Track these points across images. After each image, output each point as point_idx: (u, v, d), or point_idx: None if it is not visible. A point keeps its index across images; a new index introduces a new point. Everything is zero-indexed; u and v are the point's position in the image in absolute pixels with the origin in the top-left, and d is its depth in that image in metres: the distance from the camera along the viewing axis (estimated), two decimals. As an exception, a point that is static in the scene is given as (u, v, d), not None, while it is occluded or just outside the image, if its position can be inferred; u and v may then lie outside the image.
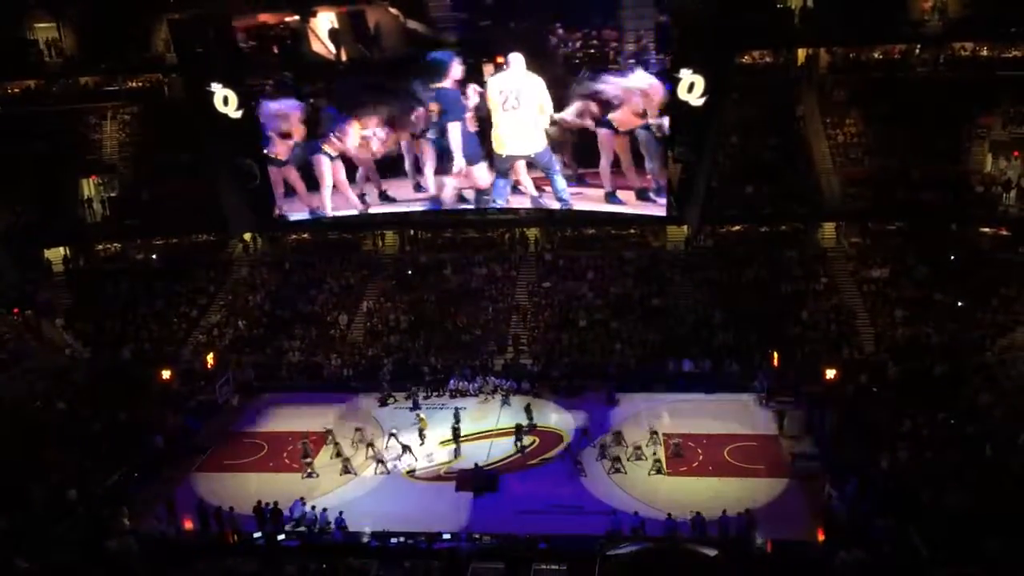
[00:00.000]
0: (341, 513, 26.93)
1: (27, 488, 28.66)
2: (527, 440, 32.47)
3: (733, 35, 32.76)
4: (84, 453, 31.34)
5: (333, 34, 33.21)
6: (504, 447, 32.10)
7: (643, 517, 25.92)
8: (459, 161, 35.46)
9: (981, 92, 39.51)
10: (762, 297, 39.37)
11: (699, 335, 38.30)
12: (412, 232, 45.53)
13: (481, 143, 35.74)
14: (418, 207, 37.61)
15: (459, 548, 25.13)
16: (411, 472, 30.64)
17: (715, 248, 42.77)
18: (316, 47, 33.42)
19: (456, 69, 33.34)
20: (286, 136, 35.85)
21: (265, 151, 36.16)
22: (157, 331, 41.12)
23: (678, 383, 36.12)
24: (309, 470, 30.58)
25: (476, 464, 30.16)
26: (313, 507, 27.47)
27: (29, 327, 39.50)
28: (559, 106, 34.02)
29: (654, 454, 30.30)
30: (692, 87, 31.75)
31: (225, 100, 34.79)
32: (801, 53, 43.25)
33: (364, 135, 35.92)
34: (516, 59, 33.20)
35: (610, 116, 33.82)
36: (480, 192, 36.65)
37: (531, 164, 36.17)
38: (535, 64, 33.23)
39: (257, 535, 26.74)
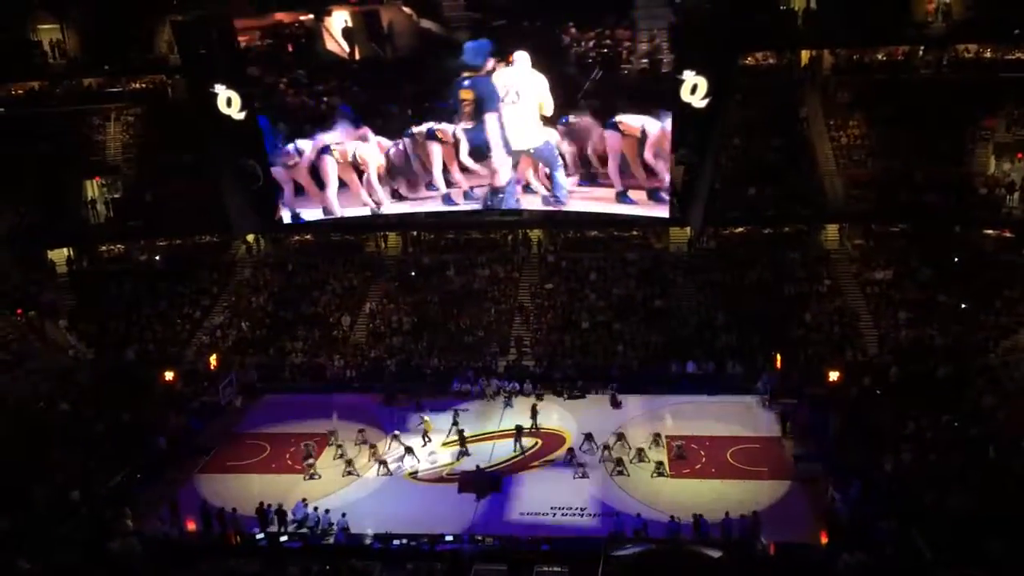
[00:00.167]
0: (344, 515, 26.96)
1: (30, 489, 28.71)
2: (530, 442, 32.48)
3: (736, 36, 32.70)
4: (87, 454, 31.39)
5: (347, 33, 33.36)
6: (507, 449, 32.09)
7: (646, 519, 25.90)
8: (498, 152, 35.23)
9: (985, 94, 39.46)
10: (765, 299, 39.34)
11: (702, 337, 38.28)
12: (415, 233, 45.52)
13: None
14: (429, 205, 37.52)
15: (462, 550, 25.12)
16: (414, 474, 30.65)
17: (718, 250, 42.72)
18: (330, 46, 33.60)
19: (491, 59, 33.28)
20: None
21: (278, 154, 36.24)
22: (160, 332, 41.17)
23: (681, 385, 36.10)
24: (312, 471, 30.59)
25: (478, 466, 30.16)
26: (316, 508, 27.47)
27: (33, 328, 39.54)
28: (570, 106, 33.98)
29: (657, 456, 30.27)
30: (695, 89, 31.72)
31: (228, 101, 34.82)
32: (804, 54, 43.24)
33: (362, 152, 36.03)
34: (521, 57, 33.28)
35: (616, 119, 33.80)
36: (495, 190, 36.45)
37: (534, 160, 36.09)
38: (547, 64, 33.21)
39: (260, 536, 26.77)
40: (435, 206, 37.32)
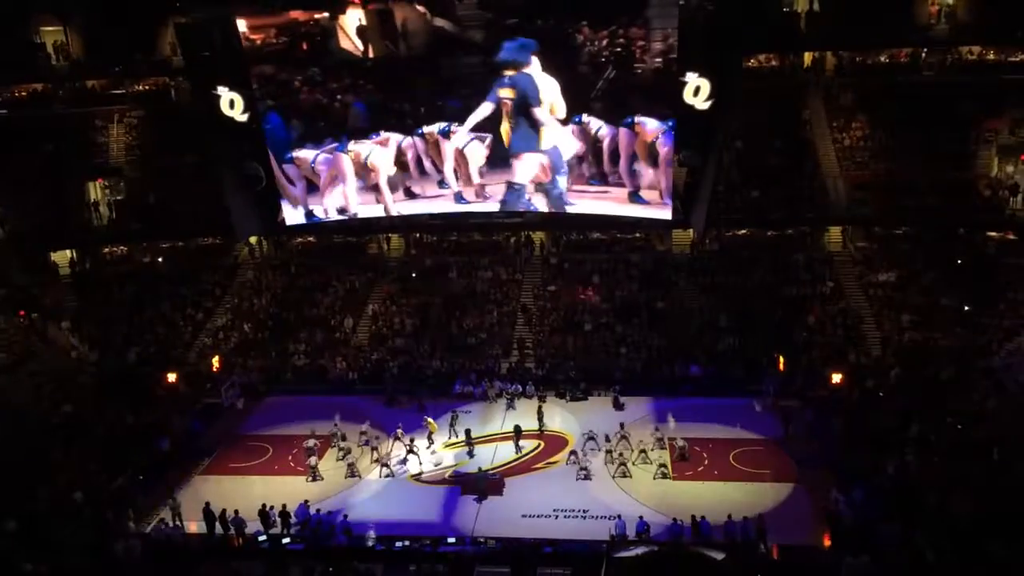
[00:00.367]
0: (346, 516, 26.94)
1: (33, 490, 28.74)
2: (532, 444, 32.46)
3: (739, 38, 32.67)
4: (90, 456, 31.44)
5: (361, 31, 33.44)
6: (509, 451, 32.11)
7: (648, 521, 25.86)
8: (546, 147, 35.18)
9: (988, 96, 39.39)
10: (768, 301, 39.30)
11: (705, 339, 38.25)
12: (418, 235, 45.53)
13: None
14: (441, 204, 37.48)
15: (464, 552, 25.14)
16: (416, 475, 30.62)
17: (721, 252, 42.68)
18: (344, 44, 33.68)
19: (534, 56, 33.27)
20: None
21: (291, 155, 36.28)
22: (163, 334, 41.21)
23: (684, 387, 36.06)
24: (314, 473, 30.57)
25: (480, 468, 30.13)
26: (318, 510, 27.45)
27: (35, 330, 39.56)
28: (583, 107, 33.99)
29: (659, 458, 30.24)
30: (698, 91, 31.68)
31: (231, 103, 34.82)
32: (807, 57, 43.22)
33: (373, 159, 36.08)
34: (532, 61, 33.31)
35: (634, 119, 33.78)
36: (511, 187, 36.36)
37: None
38: (560, 63, 33.25)
39: (262, 538, 26.77)
40: (447, 205, 37.21)
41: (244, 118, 35.17)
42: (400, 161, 36.14)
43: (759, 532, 25.03)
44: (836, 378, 33.22)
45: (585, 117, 34.09)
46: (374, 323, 41.59)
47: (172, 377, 36.67)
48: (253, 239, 45.11)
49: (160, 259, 46.06)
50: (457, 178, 36.36)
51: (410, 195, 37.21)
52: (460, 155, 35.73)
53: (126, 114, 46.35)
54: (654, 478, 29.47)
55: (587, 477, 29.71)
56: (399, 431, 32.33)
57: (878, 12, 38.10)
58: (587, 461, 30.24)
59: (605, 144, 34.40)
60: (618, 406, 35.07)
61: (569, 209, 36.46)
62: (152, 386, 36.81)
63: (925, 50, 40.93)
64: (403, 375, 38.29)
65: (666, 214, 35.67)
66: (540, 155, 35.14)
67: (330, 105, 35.43)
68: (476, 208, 37.31)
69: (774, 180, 40.78)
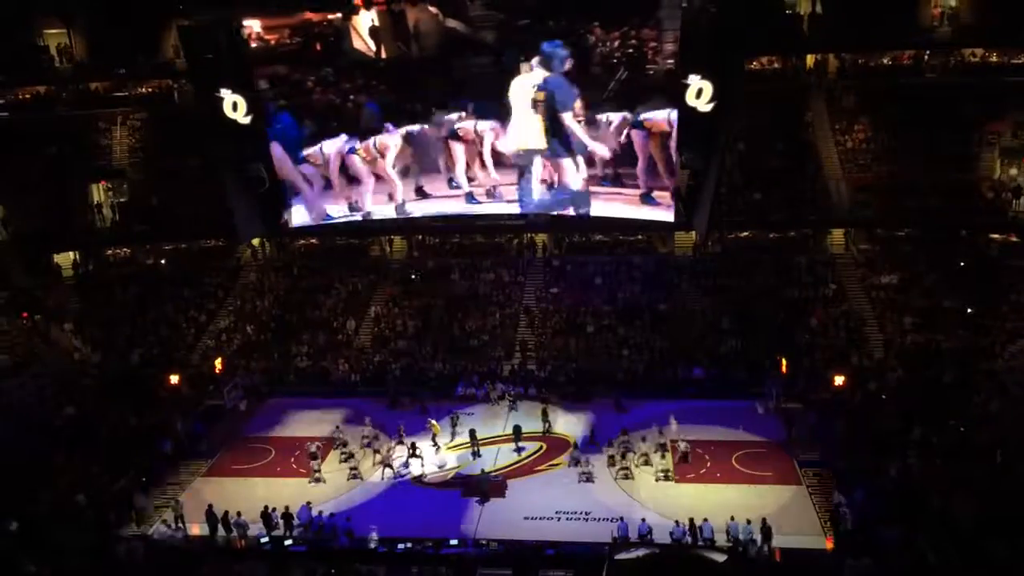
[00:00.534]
0: (349, 518, 26.95)
1: (36, 492, 28.78)
2: (534, 446, 32.48)
3: (742, 41, 32.67)
4: (92, 457, 31.46)
5: (373, 32, 33.54)
6: (511, 453, 32.13)
7: (650, 523, 25.85)
8: (579, 150, 34.89)
9: (990, 98, 39.39)
10: (771, 303, 39.28)
11: (707, 341, 38.24)
12: (420, 237, 45.55)
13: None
14: (452, 204, 37.47)
15: (466, 554, 25.14)
16: (419, 478, 30.64)
17: (723, 254, 42.69)
18: (357, 44, 33.81)
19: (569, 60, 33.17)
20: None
21: (303, 154, 36.35)
22: (166, 336, 41.26)
23: (686, 389, 36.05)
24: (317, 475, 30.59)
25: (483, 470, 30.13)
26: (320, 512, 27.47)
27: (38, 332, 39.63)
28: (595, 106, 34.00)
29: (662, 460, 30.21)
30: (700, 93, 31.67)
31: (234, 106, 34.85)
32: (810, 59, 43.20)
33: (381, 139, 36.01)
34: (538, 61, 33.38)
35: (642, 117, 33.79)
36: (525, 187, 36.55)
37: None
38: (572, 63, 33.29)
39: (265, 540, 26.79)
40: (458, 205, 37.17)
41: (247, 120, 35.19)
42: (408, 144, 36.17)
43: (764, 534, 25.01)
44: (838, 380, 33.16)
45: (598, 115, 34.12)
46: (376, 325, 41.64)
47: (175, 379, 36.68)
48: (256, 241, 45.19)
49: (163, 261, 46.17)
50: (468, 178, 36.40)
51: (421, 194, 37.26)
52: (471, 154, 35.71)
53: (129, 116, 46.47)
54: (656, 480, 29.47)
55: (589, 479, 29.70)
56: (401, 433, 32.35)
57: (880, 14, 38.10)
58: (589, 463, 30.22)
59: (617, 144, 34.47)
60: (620, 408, 35.06)
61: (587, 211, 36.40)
62: (155, 388, 36.84)
63: (928, 52, 40.91)
64: (405, 377, 38.31)
65: (660, 216, 35.76)
66: (535, 155, 35.19)
67: (343, 105, 35.53)
68: (488, 208, 37.28)
69: (776, 182, 40.79)
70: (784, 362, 35.25)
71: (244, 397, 37.34)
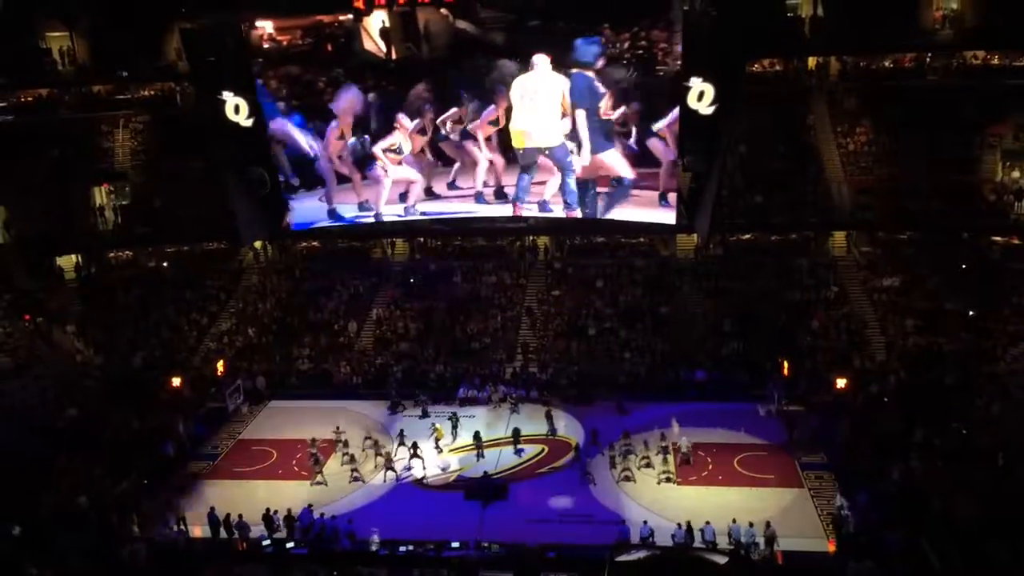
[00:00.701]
0: (350, 521, 26.94)
1: (37, 495, 28.79)
2: (536, 449, 32.47)
3: (743, 44, 32.72)
4: (94, 460, 31.47)
5: (384, 33, 33.74)
6: (513, 456, 32.13)
7: (652, 526, 25.82)
8: (586, 150, 34.84)
9: (992, 101, 39.36)
10: (772, 306, 39.27)
11: (709, 344, 38.23)
12: (422, 240, 45.59)
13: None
14: (461, 204, 37.55)
15: (468, 557, 25.13)
16: (420, 480, 30.63)
17: (725, 257, 42.66)
18: (368, 45, 33.98)
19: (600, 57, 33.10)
20: (341, 136, 36.16)
21: (321, 150, 36.47)
22: (168, 338, 41.29)
23: (688, 392, 36.04)
24: (318, 478, 30.59)
25: (485, 472, 30.13)
26: (322, 514, 27.46)
27: (40, 334, 39.67)
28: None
29: (664, 463, 30.20)
30: (702, 96, 31.73)
31: (236, 109, 34.95)
32: (811, 61, 43.22)
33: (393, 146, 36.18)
34: (541, 60, 33.40)
35: (655, 128, 33.92)
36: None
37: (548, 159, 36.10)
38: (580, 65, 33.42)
39: (266, 542, 26.79)
40: (468, 205, 37.27)
41: (249, 123, 35.31)
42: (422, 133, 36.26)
43: (768, 537, 24.98)
44: (840, 383, 33.17)
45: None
46: (378, 327, 41.65)
47: (177, 381, 36.73)
48: (258, 244, 45.24)
49: (165, 264, 46.23)
50: (484, 179, 36.60)
51: (431, 194, 37.35)
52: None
53: (132, 119, 46.51)
54: (658, 483, 29.45)
55: (591, 482, 29.69)
56: (403, 435, 32.36)
57: (882, 17, 38.06)
58: (591, 466, 30.23)
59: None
60: (622, 411, 35.06)
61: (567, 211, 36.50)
62: (157, 390, 36.87)
63: (929, 55, 40.91)
64: (407, 380, 38.31)
65: (661, 218, 35.86)
66: (538, 154, 35.29)
67: (372, 106, 35.71)
68: (497, 209, 37.41)
69: (778, 185, 40.77)
70: (786, 364, 35.30)
71: (246, 400, 37.37)
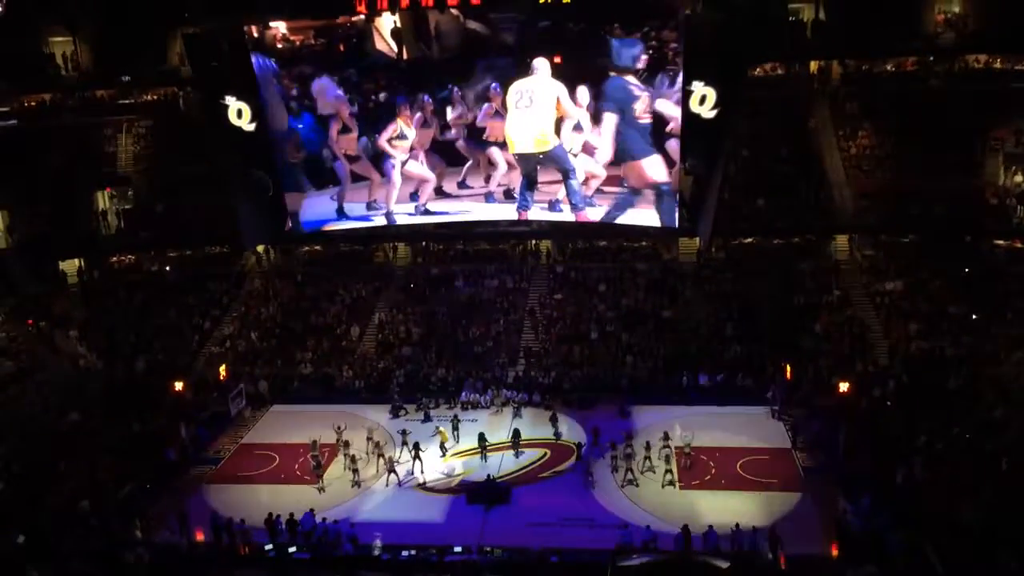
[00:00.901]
0: (353, 525, 26.93)
1: (40, 499, 28.80)
2: (539, 452, 32.45)
3: (745, 47, 32.77)
4: (97, 464, 31.48)
5: (396, 33, 33.94)
6: (516, 459, 32.11)
7: (655, 531, 25.78)
8: (604, 155, 34.89)
9: (995, 104, 39.38)
10: (775, 310, 39.24)
11: (711, 348, 38.21)
12: (424, 244, 45.60)
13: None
14: (471, 205, 37.64)
15: (471, 561, 25.09)
16: (423, 484, 30.61)
17: (727, 260, 42.66)
18: (380, 46, 34.19)
19: (642, 58, 32.98)
20: (346, 131, 36.24)
21: (334, 149, 36.53)
22: (170, 342, 41.31)
23: (690, 396, 36.02)
24: (320, 484, 30.56)
25: (489, 476, 30.11)
26: (324, 519, 27.44)
27: (43, 338, 39.73)
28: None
29: (666, 466, 30.17)
30: (704, 99, 31.77)
31: (239, 113, 35.05)
32: (813, 65, 43.24)
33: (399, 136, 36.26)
34: (541, 64, 33.52)
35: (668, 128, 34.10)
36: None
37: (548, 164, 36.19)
38: (588, 67, 33.47)
39: (268, 547, 26.76)
40: (478, 205, 37.42)
41: (252, 127, 35.39)
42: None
43: (772, 542, 24.93)
44: (843, 387, 33.09)
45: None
46: (380, 332, 41.66)
47: (179, 385, 36.69)
48: (260, 248, 45.28)
49: (168, 268, 46.25)
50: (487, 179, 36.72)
51: (441, 194, 37.43)
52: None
53: (135, 124, 46.60)
54: (663, 486, 29.40)
55: (594, 486, 29.67)
56: (405, 439, 32.34)
57: (884, 20, 38.12)
58: (594, 470, 30.24)
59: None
60: (624, 415, 35.04)
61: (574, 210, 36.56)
62: (159, 395, 36.86)
63: (931, 58, 40.90)
64: (409, 384, 38.31)
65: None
66: (533, 160, 35.35)
67: (364, 105, 35.73)
68: (505, 209, 37.49)
69: (780, 188, 40.78)
70: (788, 369, 35.30)
71: (248, 404, 37.38)
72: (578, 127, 34.67)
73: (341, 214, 38.22)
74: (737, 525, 25.43)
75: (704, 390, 36.27)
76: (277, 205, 37.67)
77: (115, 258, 46.34)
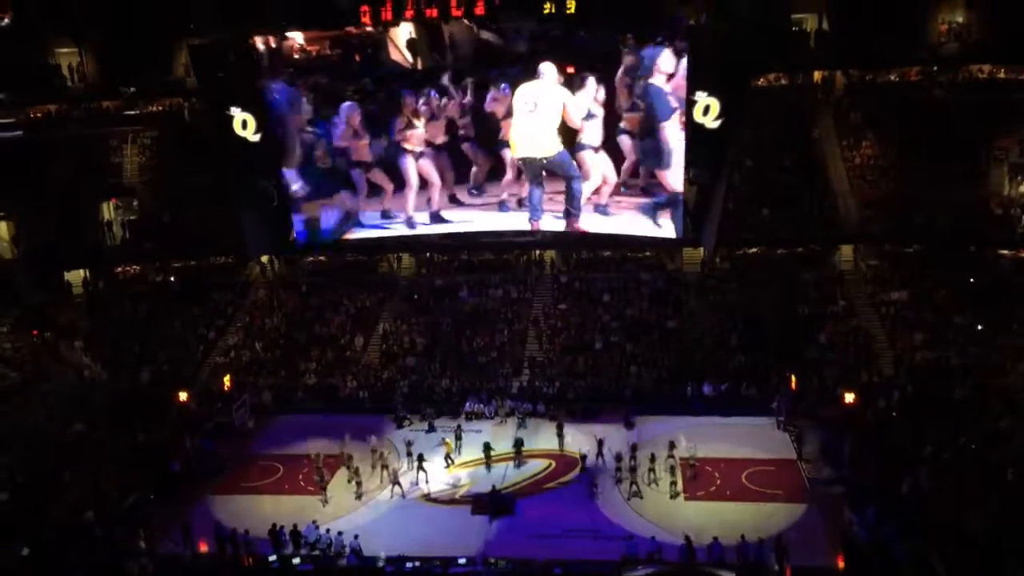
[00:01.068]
0: (356, 537, 26.85)
1: (44, 509, 28.80)
2: (543, 463, 32.40)
3: (749, 58, 32.81)
4: (101, 475, 31.48)
5: (411, 44, 34.16)
6: (520, 470, 32.08)
7: (660, 542, 25.70)
8: (677, 165, 34.30)
9: (999, 114, 39.32)
10: (779, 320, 39.18)
11: (716, 358, 38.15)
12: (428, 254, 45.64)
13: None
14: (484, 213, 37.64)
15: (475, 572, 25.04)
16: (427, 495, 30.56)
17: (732, 271, 42.63)
18: (395, 56, 34.41)
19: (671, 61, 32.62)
20: (357, 135, 36.34)
21: (349, 156, 36.65)
22: (175, 353, 41.35)
23: (695, 406, 35.94)
24: (324, 496, 30.51)
25: (493, 487, 30.04)
26: (328, 530, 27.40)
27: (48, 348, 39.80)
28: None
29: (671, 477, 30.09)
30: (707, 110, 31.79)
31: (244, 123, 35.16)
32: (817, 75, 43.27)
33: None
34: (548, 68, 33.52)
35: None
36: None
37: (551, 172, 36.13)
38: (603, 75, 33.43)
39: (272, 558, 26.74)
40: (491, 214, 37.46)
41: (256, 138, 35.50)
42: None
43: (778, 553, 24.84)
44: (848, 397, 33.01)
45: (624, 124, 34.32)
46: (384, 342, 41.66)
47: (183, 396, 36.73)
48: (265, 258, 45.35)
49: (172, 278, 46.34)
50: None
51: (455, 201, 37.50)
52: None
53: (140, 134, 46.78)
54: (671, 497, 29.33)
55: (599, 497, 29.60)
56: (409, 450, 32.30)
57: (887, 31, 38.15)
58: (598, 480, 30.19)
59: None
60: (629, 425, 34.97)
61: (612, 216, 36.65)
62: (164, 405, 36.88)
63: (935, 68, 40.92)
64: (413, 394, 38.30)
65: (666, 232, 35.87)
66: (536, 165, 35.48)
67: (379, 115, 35.90)
68: (519, 218, 37.33)
69: (784, 199, 40.75)
70: (793, 379, 35.19)
71: (252, 414, 37.38)
72: (590, 116, 34.39)
73: (354, 221, 38.30)
74: (743, 536, 25.36)
75: (709, 400, 36.20)
76: (282, 215, 37.75)
77: (120, 269, 46.46)
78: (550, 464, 32.49)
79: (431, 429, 35.28)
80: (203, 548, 27.83)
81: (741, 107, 32.94)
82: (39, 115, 45.90)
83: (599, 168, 35.34)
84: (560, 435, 33.58)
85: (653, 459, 30.50)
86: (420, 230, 38.32)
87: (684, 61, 31.66)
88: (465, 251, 44.63)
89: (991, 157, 39.66)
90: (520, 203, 36.89)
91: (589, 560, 25.66)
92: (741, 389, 36.38)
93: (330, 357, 40.95)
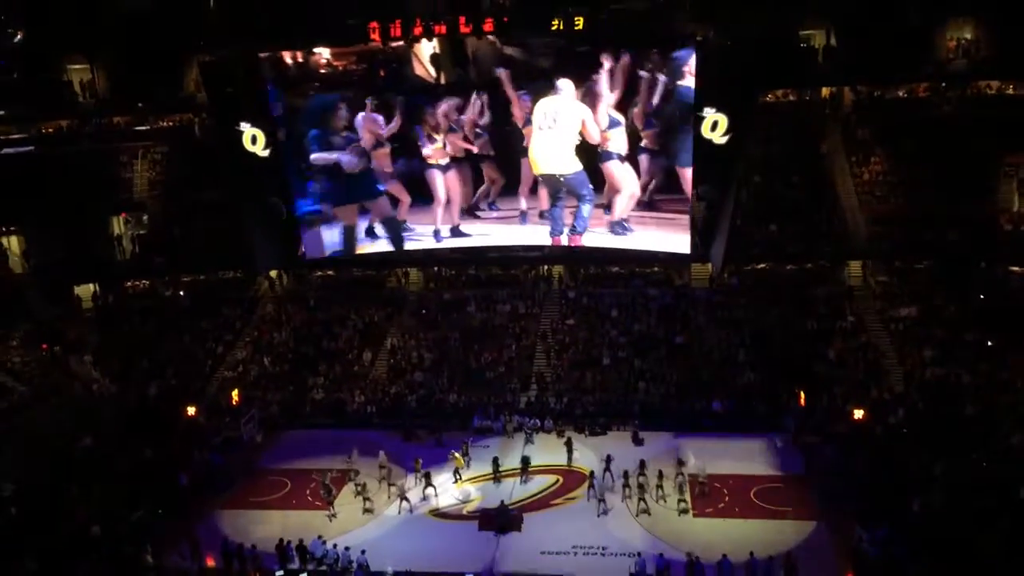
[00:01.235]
0: (364, 552, 26.80)
1: (53, 524, 28.80)
2: (551, 479, 32.30)
3: (757, 74, 32.89)
4: (109, 489, 31.49)
5: (434, 58, 34.45)
6: (528, 486, 31.96)
7: (668, 559, 25.57)
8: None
9: (1008, 130, 39.22)
10: (788, 336, 39.06)
11: (724, 374, 38.03)
12: (436, 269, 45.70)
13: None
14: (502, 227, 37.84)
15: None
16: (435, 510, 30.48)
17: (740, 286, 42.53)
18: (419, 71, 34.79)
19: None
20: (379, 145, 36.55)
21: (369, 164, 36.92)
22: (183, 367, 41.42)
23: (704, 422, 35.81)
24: (330, 511, 30.46)
25: (502, 502, 29.94)
26: (335, 545, 27.33)
27: (57, 363, 39.91)
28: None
29: (680, 494, 29.96)
30: (716, 126, 31.87)
31: (253, 139, 35.39)
32: (825, 91, 43.32)
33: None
34: (566, 84, 33.83)
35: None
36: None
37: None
38: (624, 90, 33.60)
39: (279, 573, 26.68)
40: (510, 227, 37.75)
41: (266, 153, 35.71)
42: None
43: (787, 571, 24.69)
44: (858, 414, 32.86)
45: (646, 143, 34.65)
46: (392, 357, 41.67)
47: (192, 410, 36.77)
48: (273, 273, 45.47)
49: (181, 293, 46.47)
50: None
51: (473, 215, 37.58)
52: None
53: (151, 150, 47.01)
54: (679, 514, 29.20)
55: (606, 513, 29.48)
56: (417, 466, 32.24)
57: (896, 47, 38.20)
58: (606, 497, 30.08)
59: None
60: (637, 441, 34.87)
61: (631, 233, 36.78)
62: (172, 420, 36.92)
63: (944, 84, 40.92)
64: (421, 409, 38.27)
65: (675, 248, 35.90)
66: (553, 181, 35.52)
67: (403, 128, 36.37)
68: (539, 231, 37.59)
69: (793, 214, 40.71)
70: (802, 395, 35.06)
71: (261, 429, 37.37)
72: (613, 124, 34.56)
73: (371, 234, 38.54)
74: (752, 554, 25.22)
75: (717, 417, 36.07)
76: (290, 230, 37.92)
77: (129, 283, 46.62)
78: (558, 480, 32.39)
79: (439, 444, 35.21)
80: (210, 563, 27.83)
81: (749, 123, 33.01)
82: (50, 130, 46.38)
83: (628, 180, 35.45)
84: (569, 450, 33.47)
85: (661, 476, 30.39)
86: (444, 243, 38.68)
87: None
88: (473, 266, 44.66)
89: (1000, 173, 39.56)
90: (542, 216, 37.03)
91: (597, 577, 25.57)
92: (750, 405, 36.21)
93: (338, 372, 40.97)
